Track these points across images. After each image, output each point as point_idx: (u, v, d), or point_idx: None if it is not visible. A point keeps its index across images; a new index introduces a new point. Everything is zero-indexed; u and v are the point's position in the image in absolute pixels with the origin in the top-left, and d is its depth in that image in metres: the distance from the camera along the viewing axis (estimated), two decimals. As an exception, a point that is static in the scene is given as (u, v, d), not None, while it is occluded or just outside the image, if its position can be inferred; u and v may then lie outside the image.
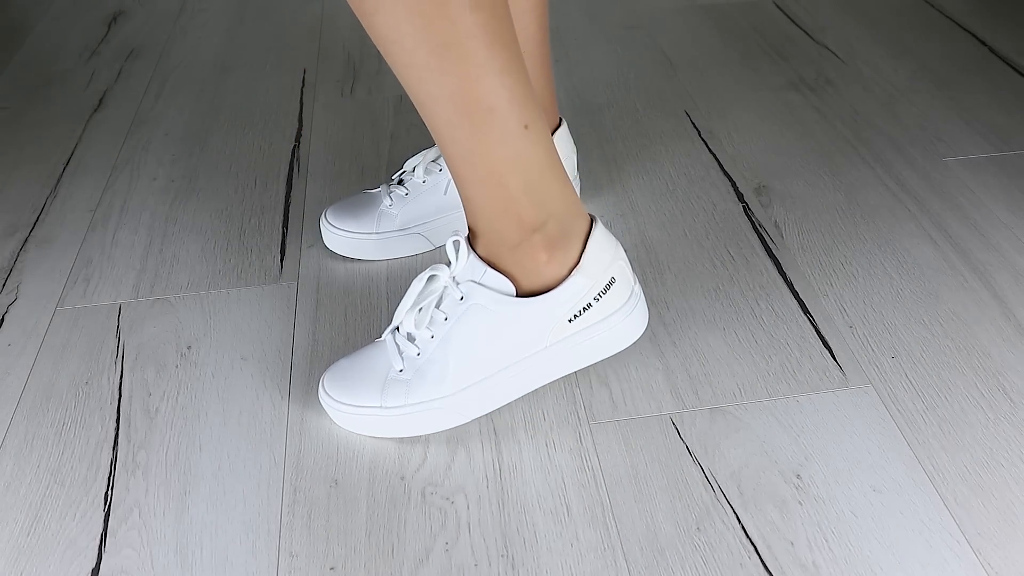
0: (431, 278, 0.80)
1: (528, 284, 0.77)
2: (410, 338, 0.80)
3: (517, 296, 0.77)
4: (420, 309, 0.79)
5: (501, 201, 0.74)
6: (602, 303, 0.78)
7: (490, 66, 0.68)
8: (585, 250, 0.77)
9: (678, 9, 1.58)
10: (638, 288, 0.82)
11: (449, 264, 0.79)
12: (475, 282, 0.77)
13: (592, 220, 0.79)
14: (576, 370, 0.81)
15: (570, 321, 0.78)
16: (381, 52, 0.70)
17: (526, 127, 0.71)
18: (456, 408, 0.80)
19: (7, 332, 0.97)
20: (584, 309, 0.78)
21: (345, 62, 1.47)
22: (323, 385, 0.83)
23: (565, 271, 0.77)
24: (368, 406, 0.80)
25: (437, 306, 0.79)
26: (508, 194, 0.74)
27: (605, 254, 0.78)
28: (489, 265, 0.77)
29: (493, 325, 0.77)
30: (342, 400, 0.81)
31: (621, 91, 1.34)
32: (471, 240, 0.79)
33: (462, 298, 0.78)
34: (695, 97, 1.32)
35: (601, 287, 0.78)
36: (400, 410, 0.80)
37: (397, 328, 0.82)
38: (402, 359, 0.80)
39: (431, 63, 0.68)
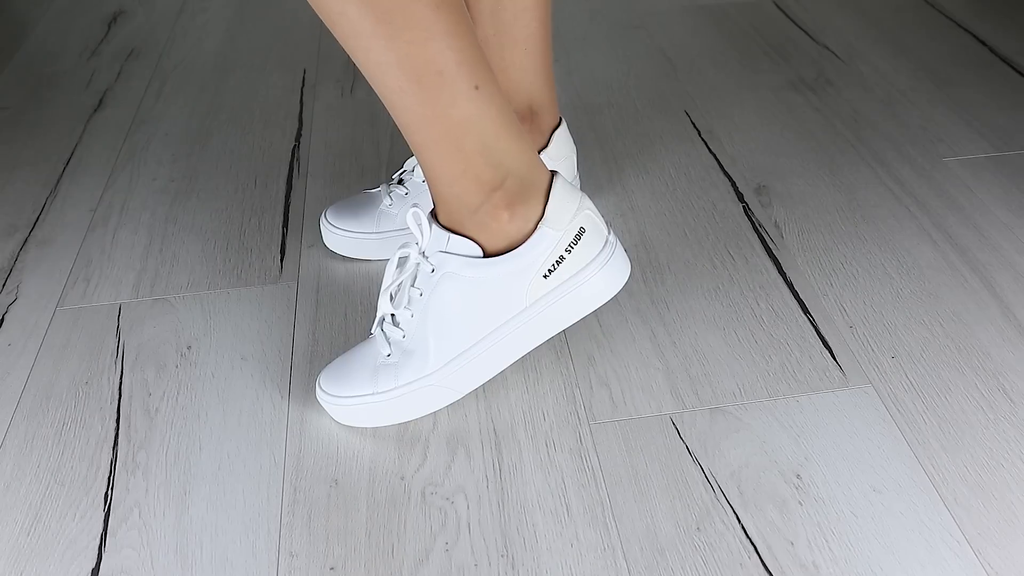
0: (402, 259, 0.80)
1: (494, 245, 0.77)
2: (394, 322, 0.80)
3: (485, 258, 0.77)
4: (398, 289, 0.80)
5: (458, 164, 0.74)
6: (575, 254, 0.78)
7: (436, 29, 0.68)
8: (548, 202, 0.77)
9: (678, 9, 1.58)
10: (613, 237, 0.80)
11: (417, 243, 0.80)
12: (443, 251, 0.77)
13: (553, 174, 0.78)
14: (564, 328, 0.81)
15: (545, 277, 0.77)
16: (327, 24, 0.70)
17: (477, 88, 0.71)
18: (447, 383, 0.80)
19: (7, 332, 0.97)
20: (557, 262, 0.77)
21: (345, 62, 1.47)
22: (319, 383, 0.83)
23: (531, 226, 0.77)
24: (361, 395, 0.81)
25: (412, 284, 0.79)
26: (464, 156, 0.73)
27: (569, 204, 0.77)
28: (453, 232, 0.77)
29: (467, 291, 0.77)
30: (337, 393, 0.82)
31: (621, 91, 1.34)
32: (434, 210, 0.79)
33: (433, 270, 0.78)
34: (695, 97, 1.32)
35: (571, 237, 0.77)
36: (392, 393, 0.80)
37: (383, 318, 0.82)
38: (389, 344, 0.81)
39: (377, 31, 0.67)
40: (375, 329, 0.83)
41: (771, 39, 1.47)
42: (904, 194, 1.09)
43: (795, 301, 0.95)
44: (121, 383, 0.90)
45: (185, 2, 1.74)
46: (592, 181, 1.14)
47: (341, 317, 0.96)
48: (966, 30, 1.45)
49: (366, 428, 0.83)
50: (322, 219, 1.04)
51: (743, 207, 1.09)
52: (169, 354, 0.93)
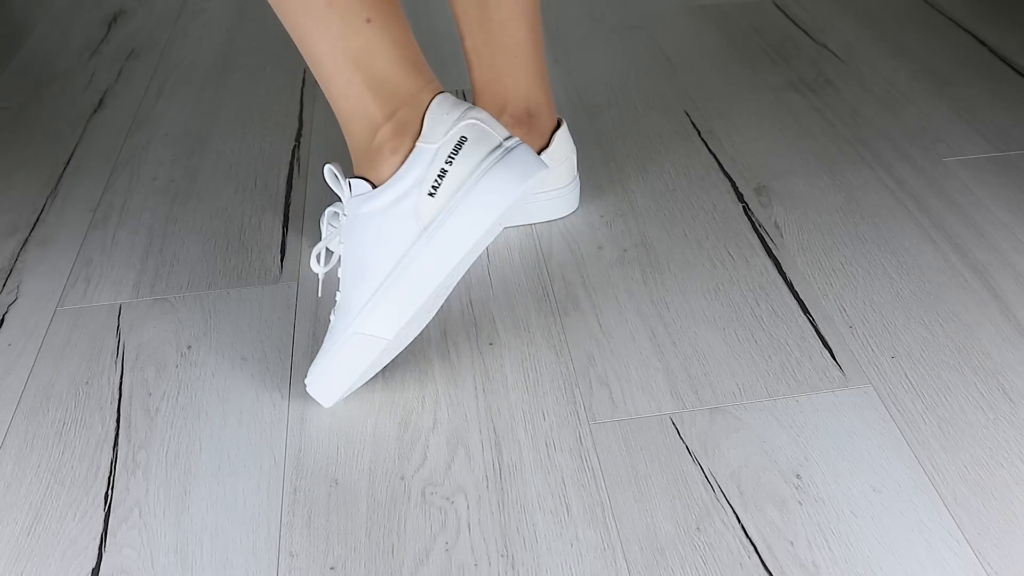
0: (333, 214, 0.82)
1: (383, 178, 0.76)
2: (338, 284, 0.81)
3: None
4: (327, 249, 0.81)
5: (353, 100, 0.74)
6: (458, 164, 0.74)
7: None
8: (424, 118, 0.75)
9: (678, 9, 1.58)
10: (512, 141, 0.75)
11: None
12: (348, 198, 0.78)
13: (437, 94, 0.76)
14: (469, 250, 0.76)
15: (431, 195, 0.74)
16: None
17: (368, 21, 0.71)
18: (365, 329, 0.78)
19: (7, 332, 0.97)
20: (440, 176, 0.74)
21: (345, 62, 1.47)
22: (327, 214, 0.87)
23: (410, 148, 0.75)
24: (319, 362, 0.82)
25: (339, 239, 0.80)
26: (357, 91, 0.73)
27: (447, 116, 0.74)
28: (358, 175, 0.78)
29: (367, 230, 0.77)
30: (312, 372, 0.82)
31: (621, 91, 1.34)
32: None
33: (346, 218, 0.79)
34: (695, 97, 1.32)
35: (450, 148, 0.74)
36: (334, 349, 0.80)
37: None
38: (335, 307, 0.81)
39: None
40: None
41: (771, 39, 1.47)
42: (904, 194, 1.09)
43: (795, 301, 0.95)
44: (121, 383, 0.90)
45: (185, 2, 1.74)
46: (592, 181, 1.14)
47: (341, 317, 0.96)
48: (966, 30, 1.45)
49: (366, 427, 0.83)
50: (322, 219, 1.04)
51: (743, 207, 1.09)
52: (169, 354, 0.93)
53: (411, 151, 0.75)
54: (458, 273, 0.78)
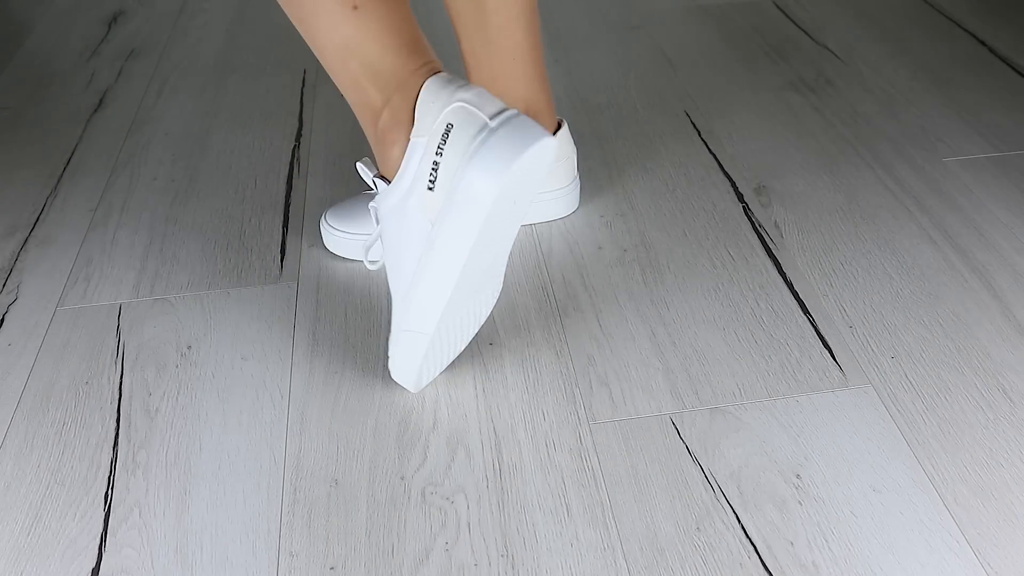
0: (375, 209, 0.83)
1: (391, 175, 0.76)
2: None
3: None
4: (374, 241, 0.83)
5: (352, 89, 0.74)
6: (447, 156, 0.70)
7: None
8: (415, 108, 0.73)
9: (678, 9, 1.58)
10: (501, 119, 0.70)
11: None
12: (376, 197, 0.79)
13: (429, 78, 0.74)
14: (499, 241, 0.76)
15: (430, 190, 0.72)
16: None
17: (355, 8, 0.71)
18: (409, 326, 0.79)
19: (7, 332, 0.97)
20: (434, 170, 0.71)
21: (345, 62, 1.47)
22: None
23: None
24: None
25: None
26: (354, 79, 0.73)
27: (434, 103, 0.71)
28: (379, 174, 0.78)
29: (390, 226, 0.78)
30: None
31: (621, 91, 1.34)
32: None
33: (377, 222, 0.81)
34: (695, 97, 1.32)
35: (438, 140, 0.70)
36: (393, 345, 0.82)
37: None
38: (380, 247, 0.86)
39: None
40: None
41: (771, 39, 1.47)
42: (904, 194, 1.09)
43: (795, 301, 0.95)
44: (121, 383, 0.90)
45: (185, 2, 1.74)
46: (592, 181, 1.14)
47: (341, 317, 0.96)
48: (966, 30, 1.45)
49: (366, 427, 0.83)
50: (322, 221, 1.04)
51: (743, 207, 1.09)
52: (169, 354, 0.93)
53: (408, 145, 0.74)
54: (482, 261, 0.75)
